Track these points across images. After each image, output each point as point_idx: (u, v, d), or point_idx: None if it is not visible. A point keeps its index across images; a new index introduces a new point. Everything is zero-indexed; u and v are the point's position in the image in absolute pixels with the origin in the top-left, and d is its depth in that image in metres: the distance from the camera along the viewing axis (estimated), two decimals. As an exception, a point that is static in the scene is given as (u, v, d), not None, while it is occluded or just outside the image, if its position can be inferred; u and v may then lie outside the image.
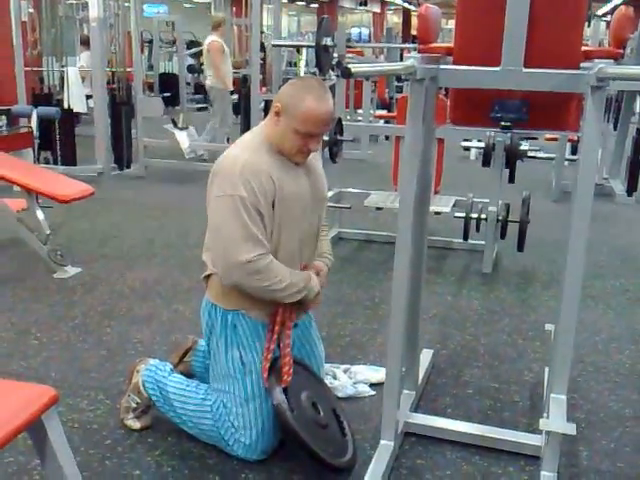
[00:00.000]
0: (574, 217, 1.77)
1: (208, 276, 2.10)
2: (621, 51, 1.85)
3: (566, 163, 6.31)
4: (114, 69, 6.59)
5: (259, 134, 2.02)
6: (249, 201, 1.88)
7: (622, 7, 1.91)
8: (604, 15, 21.33)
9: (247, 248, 1.89)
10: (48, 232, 3.72)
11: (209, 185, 1.99)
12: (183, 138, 6.78)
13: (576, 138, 6.11)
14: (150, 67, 12.39)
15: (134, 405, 2.22)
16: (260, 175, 1.90)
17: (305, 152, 1.99)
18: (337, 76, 4.89)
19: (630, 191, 5.78)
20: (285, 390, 2.00)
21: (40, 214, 3.75)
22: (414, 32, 21.71)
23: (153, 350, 2.80)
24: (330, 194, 4.46)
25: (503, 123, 1.93)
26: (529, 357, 2.86)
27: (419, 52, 1.98)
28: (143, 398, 2.20)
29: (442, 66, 1.92)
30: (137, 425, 2.22)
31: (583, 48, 1.91)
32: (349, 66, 1.52)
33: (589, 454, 2.17)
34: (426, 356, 2.69)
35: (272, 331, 2.05)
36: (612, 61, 1.67)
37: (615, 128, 6.65)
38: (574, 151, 6.74)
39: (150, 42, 12.24)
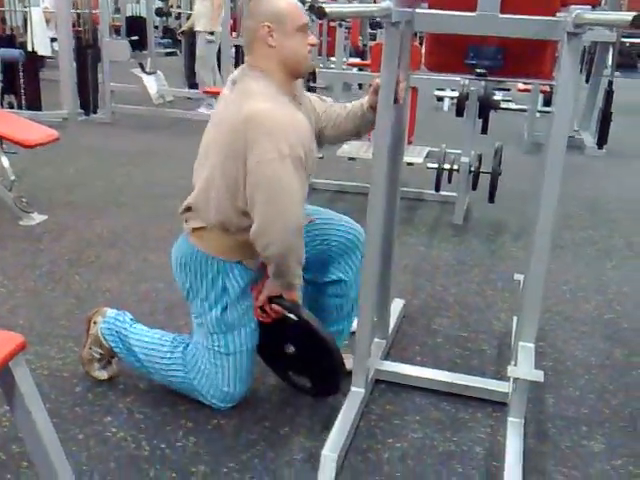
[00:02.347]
0: (546, 169, 1.76)
1: (199, 229, 1.95)
2: (599, -2, 1.83)
3: (538, 115, 6.32)
4: (79, 11, 6.35)
5: (259, 80, 1.86)
6: (304, 162, 1.80)
7: (601, -47, 1.87)
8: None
9: (298, 203, 1.82)
10: (13, 178, 3.63)
11: (240, 143, 1.78)
12: (151, 83, 6.61)
13: (548, 89, 6.12)
14: (117, 10, 12.03)
15: (97, 356, 2.18)
16: (307, 134, 1.85)
17: (311, 49, 1.91)
18: (311, 20, 4.77)
19: (600, 143, 5.82)
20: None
21: (4, 160, 3.65)
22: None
23: (122, 299, 2.77)
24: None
25: (478, 70, 1.90)
26: (498, 307, 2.90)
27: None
28: (105, 349, 2.16)
29: (418, 10, 1.87)
30: (105, 375, 2.20)
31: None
32: (323, 6, 1.47)
33: (555, 401, 2.23)
34: (397, 305, 2.71)
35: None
36: (589, 7, 1.64)
37: (587, 81, 6.65)
38: (546, 103, 6.75)
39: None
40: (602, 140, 5.76)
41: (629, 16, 1.33)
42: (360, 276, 2.06)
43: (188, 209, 1.97)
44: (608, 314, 2.89)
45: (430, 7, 1.93)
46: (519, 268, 2.89)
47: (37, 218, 3.66)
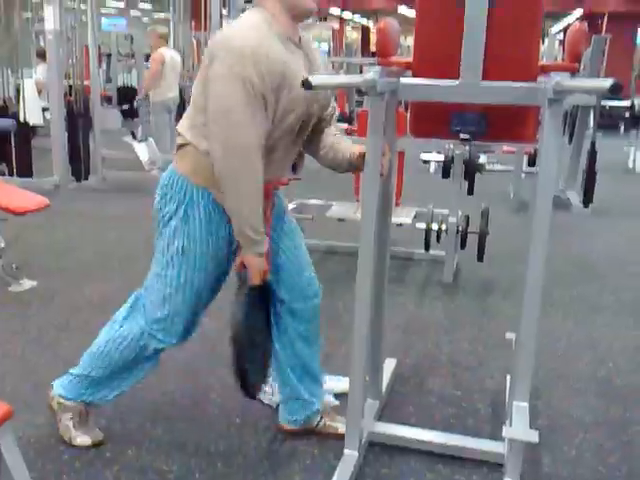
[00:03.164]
0: (534, 228, 1.80)
1: (182, 146, 1.93)
2: (576, 65, 1.90)
3: (523, 175, 6.44)
4: (71, 82, 6.49)
5: (255, 13, 1.85)
6: (258, 88, 1.73)
7: (576, 23, 1.96)
8: (557, 33, 21.89)
9: (255, 132, 1.76)
10: (2, 245, 3.64)
11: (207, 60, 1.80)
12: (142, 150, 6.71)
13: (532, 151, 6.25)
14: (109, 80, 12.29)
15: (70, 422, 2.17)
16: (273, 60, 1.75)
17: None
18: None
19: (586, 202, 5.92)
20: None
21: (-6, 226, 3.68)
22: (372, 48, 21.91)
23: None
24: (292, 205, 4.47)
25: (462, 136, 1.96)
26: (490, 365, 2.89)
27: (379, 65, 1.99)
28: (71, 408, 2.16)
29: (402, 79, 1.94)
30: (88, 440, 2.17)
31: (540, 63, 1.96)
32: (309, 78, 1.53)
33: (551, 461, 2.20)
34: (389, 365, 2.70)
35: None
36: (568, 75, 1.71)
37: (570, 141, 6.81)
38: (531, 163, 6.89)
39: (108, 55, 12.15)
40: (588, 199, 5.86)
41: (607, 83, 1.38)
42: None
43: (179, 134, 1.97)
44: (601, 371, 2.89)
45: (414, 76, 2.00)
46: (510, 326, 2.89)
47: (26, 284, 3.66)
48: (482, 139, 2.03)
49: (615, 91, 1.36)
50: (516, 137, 2.13)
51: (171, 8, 9.17)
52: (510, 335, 2.62)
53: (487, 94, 1.87)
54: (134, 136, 6.88)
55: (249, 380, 2.00)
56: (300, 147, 2.05)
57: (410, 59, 2.07)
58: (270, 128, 1.82)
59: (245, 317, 1.93)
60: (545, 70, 1.94)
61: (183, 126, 1.91)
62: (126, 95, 10.87)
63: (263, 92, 1.74)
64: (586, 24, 2.00)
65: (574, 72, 1.93)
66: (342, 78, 1.68)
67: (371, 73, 1.78)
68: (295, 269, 2.15)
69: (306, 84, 1.56)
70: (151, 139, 6.95)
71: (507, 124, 2.00)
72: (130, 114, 9.80)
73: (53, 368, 2.71)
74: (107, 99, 11.10)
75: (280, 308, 2.17)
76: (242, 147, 1.75)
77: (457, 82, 1.89)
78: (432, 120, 2.09)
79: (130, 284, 3.73)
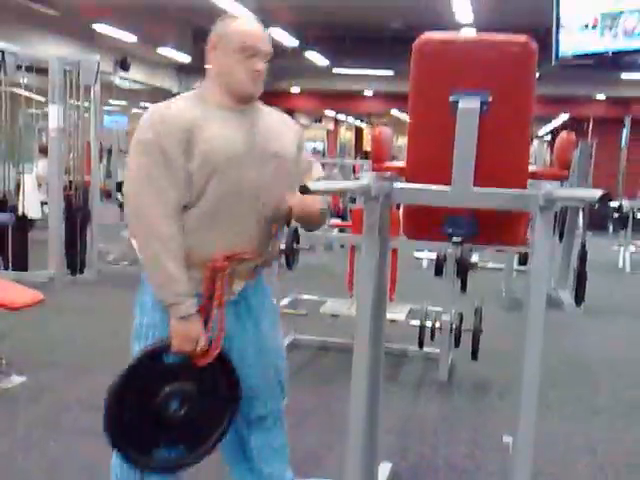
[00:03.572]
0: (528, 332, 1.82)
1: None
2: (566, 173, 1.97)
3: (514, 273, 6.50)
4: (72, 177, 6.63)
5: (195, 91, 1.89)
6: (155, 145, 1.72)
7: (564, 132, 2.05)
8: (546, 135, 22.65)
9: (155, 193, 1.71)
10: (-6, 340, 3.62)
11: None
12: (139, 244, 6.76)
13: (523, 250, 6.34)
14: (109, 175, 12.54)
15: None
16: (173, 119, 1.74)
17: (255, 76, 1.80)
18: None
19: (578, 301, 5.95)
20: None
21: (-13, 321, 3.66)
22: (366, 148, 22.60)
23: (99, 467, 2.67)
24: (286, 301, 4.48)
25: (454, 239, 2.00)
26: (488, 469, 2.83)
27: (373, 171, 2.07)
28: None
29: (395, 184, 2.01)
30: None
31: (531, 169, 2.03)
32: (307, 184, 1.59)
33: None
34: (384, 470, 2.63)
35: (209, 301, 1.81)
36: (558, 183, 1.77)
37: (560, 240, 6.92)
38: (522, 262, 6.97)
39: (109, 151, 12.47)
40: (579, 298, 5.89)
41: (597, 194, 1.44)
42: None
43: None
44: (600, 476, 2.82)
45: (407, 180, 2.07)
46: (506, 427, 2.85)
47: (15, 380, 3.60)
48: (473, 242, 2.07)
49: (605, 202, 1.41)
50: (506, 240, 2.18)
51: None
52: (507, 439, 2.58)
53: (479, 200, 1.93)
54: (131, 230, 6.95)
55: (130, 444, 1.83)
56: (269, 225, 1.89)
57: (403, 164, 2.15)
58: (196, 191, 1.75)
59: (132, 376, 1.82)
60: (535, 177, 2.01)
61: None
62: (124, 189, 11.06)
63: (163, 148, 1.71)
64: (573, 133, 2.10)
65: (564, 179, 2.01)
66: (339, 184, 1.74)
67: (366, 179, 1.85)
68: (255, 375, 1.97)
69: (304, 190, 1.61)
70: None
71: (498, 228, 2.06)
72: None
73: (39, 469, 2.64)
74: (106, 193, 11.30)
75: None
76: (144, 210, 1.72)
77: (449, 188, 1.96)
78: (425, 222, 2.14)
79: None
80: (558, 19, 5.36)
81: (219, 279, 1.79)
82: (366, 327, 1.97)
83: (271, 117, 1.93)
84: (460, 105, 1.91)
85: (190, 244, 1.77)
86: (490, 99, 1.90)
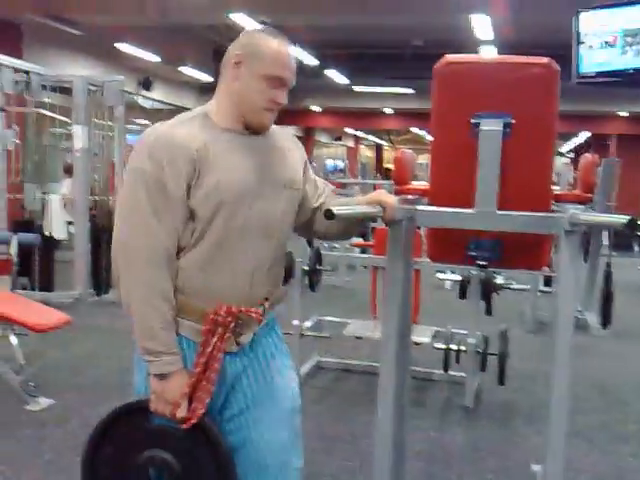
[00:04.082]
0: (555, 360, 1.79)
1: None
2: (590, 196, 1.96)
3: (539, 294, 6.41)
4: (96, 197, 6.71)
5: (198, 109, 1.66)
6: (153, 176, 1.50)
7: (588, 155, 2.04)
8: (566, 153, 22.48)
9: (137, 230, 1.52)
10: (22, 362, 3.64)
11: None
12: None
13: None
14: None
15: None
16: (173, 144, 1.52)
17: (274, 107, 1.61)
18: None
19: (604, 323, 5.85)
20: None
21: (15, 342, 3.69)
22: (386, 165, 22.65)
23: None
24: (308, 323, 4.46)
25: (479, 262, 1.99)
26: (515, 497, 2.77)
27: (396, 193, 2.06)
28: None
29: (419, 207, 2.00)
30: None
31: (555, 191, 2.02)
32: (332, 209, 1.59)
33: None
34: (409, 496, 2.59)
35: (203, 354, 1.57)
36: (582, 206, 1.76)
37: (585, 260, 6.83)
38: (546, 282, 6.88)
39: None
40: (606, 320, 5.79)
41: (624, 220, 1.42)
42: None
43: None
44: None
45: (430, 203, 2.06)
46: (534, 454, 2.80)
47: (43, 402, 3.62)
48: (497, 265, 2.06)
49: (632, 228, 1.39)
50: (531, 264, 2.16)
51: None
52: (536, 467, 2.53)
53: (503, 222, 1.92)
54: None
55: None
56: (280, 264, 1.71)
57: (426, 185, 2.14)
58: (199, 227, 1.54)
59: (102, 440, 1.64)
60: (559, 199, 2.00)
61: None
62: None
63: (163, 183, 1.50)
64: (597, 155, 2.08)
65: (587, 202, 1.99)
66: (364, 209, 1.72)
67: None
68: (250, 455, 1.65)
69: (329, 215, 1.60)
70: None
71: (522, 251, 2.04)
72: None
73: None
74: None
75: None
76: (129, 250, 1.53)
77: (473, 210, 1.95)
78: (449, 246, 2.13)
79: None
80: (578, 36, 5.33)
81: (218, 334, 1.56)
82: (392, 350, 1.95)
83: (279, 139, 1.72)
84: (482, 127, 1.91)
85: (189, 289, 1.56)
86: (513, 121, 1.90)
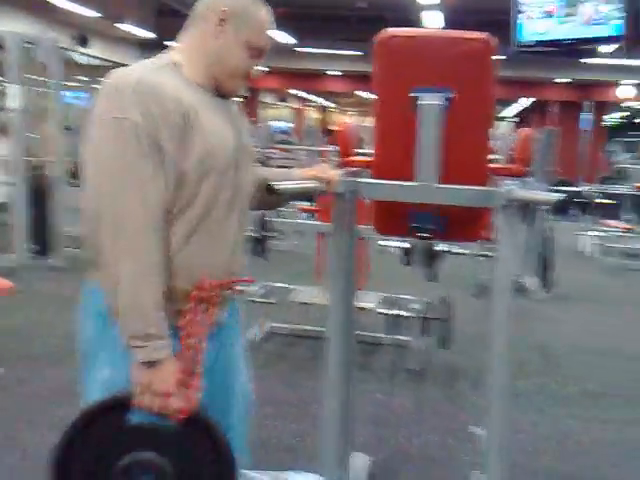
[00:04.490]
0: (494, 319, 1.86)
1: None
2: (525, 170, 2.03)
3: (480, 258, 6.56)
4: (33, 157, 6.50)
5: (163, 57, 1.48)
6: (145, 130, 1.32)
7: (525, 129, 2.10)
8: (508, 118, 22.80)
9: (130, 191, 1.32)
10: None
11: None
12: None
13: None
14: (74, 154, 12.32)
15: None
16: (164, 96, 1.35)
17: (248, 77, 1.53)
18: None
19: (545, 287, 6.06)
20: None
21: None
22: (330, 127, 22.63)
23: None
24: (256, 288, 4.48)
25: (421, 234, 2.04)
26: (461, 460, 2.87)
27: (340, 165, 2.09)
28: None
29: (362, 180, 2.04)
30: None
31: (492, 165, 2.08)
32: (273, 185, 1.60)
33: None
34: (360, 461, 2.66)
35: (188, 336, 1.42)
36: (519, 180, 1.82)
37: (525, 223, 7.01)
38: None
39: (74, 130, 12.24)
40: (546, 284, 5.99)
41: (554, 197, 1.49)
42: None
43: None
44: (568, 466, 2.90)
45: (374, 176, 2.10)
46: (478, 416, 2.92)
47: (-8, 372, 3.58)
48: (439, 237, 2.12)
49: (559, 209, 1.46)
50: (471, 236, 2.23)
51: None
52: (473, 428, 2.64)
53: (443, 196, 1.97)
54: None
55: None
56: (243, 231, 1.59)
57: (370, 159, 2.18)
58: (186, 195, 1.40)
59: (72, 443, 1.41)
60: (497, 173, 2.06)
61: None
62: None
63: (156, 137, 1.33)
64: (533, 131, 2.15)
65: (524, 175, 2.06)
66: (305, 184, 1.74)
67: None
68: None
69: (270, 190, 1.62)
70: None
71: (463, 224, 2.10)
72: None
73: (16, 463, 2.64)
74: (72, 174, 11.12)
75: None
76: (122, 216, 1.32)
77: (414, 183, 1.99)
78: (392, 218, 2.18)
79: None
80: (518, 5, 5.42)
81: (203, 312, 1.44)
82: (338, 317, 2.02)
83: (232, 104, 1.60)
84: (422, 102, 1.94)
85: (170, 266, 1.40)
86: (451, 96, 1.94)
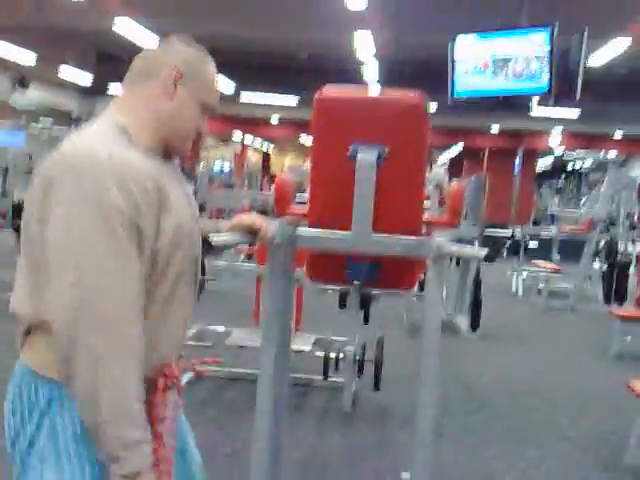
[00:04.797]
0: (423, 359, 1.92)
1: (27, 331, 1.28)
2: (457, 221, 2.13)
3: (414, 298, 6.71)
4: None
5: (106, 121, 1.32)
6: (127, 213, 1.19)
7: (455, 184, 2.22)
8: (443, 164, 23.52)
9: (130, 288, 1.20)
10: None
11: (40, 192, 1.21)
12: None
13: (422, 276, 6.59)
14: (3, 194, 12.02)
15: None
16: (139, 172, 1.23)
17: (199, 135, 1.44)
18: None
19: (474, 327, 6.23)
20: None
21: None
22: (273, 172, 22.90)
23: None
24: (192, 331, 4.44)
25: (355, 282, 2.11)
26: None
27: (276, 215, 2.15)
28: None
29: (299, 230, 2.09)
30: None
31: (425, 217, 2.17)
32: (210, 238, 1.62)
33: None
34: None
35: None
36: (449, 235, 1.91)
37: (458, 264, 7.22)
38: (422, 287, 7.20)
39: (5, 169, 11.97)
40: (475, 323, 6.18)
41: (483, 252, 1.58)
42: None
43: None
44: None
45: (310, 226, 2.16)
46: (407, 458, 2.96)
47: None
48: (372, 285, 2.19)
49: (488, 260, 1.55)
50: (404, 285, 2.31)
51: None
52: (405, 475, 2.68)
53: (378, 245, 2.05)
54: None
55: None
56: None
57: (306, 210, 2.24)
58: (157, 273, 1.28)
59: None
60: (430, 225, 2.16)
61: (19, 300, 1.28)
62: (20, 211, 10.66)
63: (137, 221, 1.21)
64: (464, 184, 2.26)
65: (455, 226, 2.16)
66: (236, 235, 1.75)
67: (272, 227, 1.92)
68: None
69: (207, 242, 1.63)
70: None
71: (396, 273, 2.18)
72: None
73: None
74: (1, 215, 10.85)
75: None
76: (108, 312, 1.17)
77: (349, 233, 2.06)
78: (328, 267, 2.24)
79: None
80: (453, 62, 5.68)
81: (168, 402, 1.32)
82: (270, 361, 2.04)
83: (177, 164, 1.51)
84: (359, 157, 2.03)
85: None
86: (387, 150, 2.03)
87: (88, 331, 1.16)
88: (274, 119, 17.46)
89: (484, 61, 5.48)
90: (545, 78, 5.26)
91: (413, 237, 2.02)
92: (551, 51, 5.19)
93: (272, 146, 25.68)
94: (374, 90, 2.30)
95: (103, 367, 1.15)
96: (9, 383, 1.29)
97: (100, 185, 1.17)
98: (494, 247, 11.13)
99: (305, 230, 2.11)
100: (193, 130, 1.41)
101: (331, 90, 2.05)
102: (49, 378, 1.23)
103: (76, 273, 1.16)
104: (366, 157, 1.99)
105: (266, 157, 27.67)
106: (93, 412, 1.16)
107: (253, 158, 27.20)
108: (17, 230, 9.69)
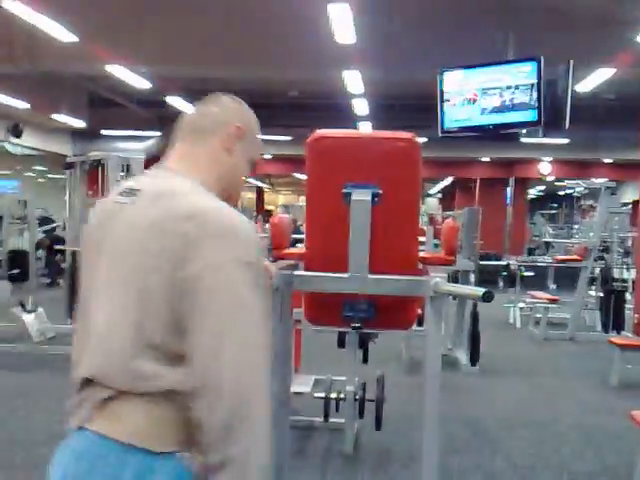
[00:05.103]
0: (425, 409, 1.91)
1: (114, 397, 1.20)
2: (452, 258, 2.12)
3: (413, 334, 6.67)
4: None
5: (191, 180, 1.33)
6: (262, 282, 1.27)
7: (450, 220, 2.22)
8: (435, 194, 23.67)
9: (265, 345, 1.21)
10: None
11: (175, 251, 1.18)
12: (32, 322, 6.50)
13: (420, 312, 6.57)
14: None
15: None
16: (258, 243, 1.30)
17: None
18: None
19: (473, 361, 6.18)
20: None
21: None
22: (267, 208, 23.00)
23: None
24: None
25: (353, 324, 2.09)
26: None
27: (273, 258, 2.14)
28: None
29: (296, 272, 2.09)
30: None
31: (421, 254, 2.17)
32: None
33: None
34: None
35: None
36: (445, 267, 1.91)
37: (454, 298, 7.21)
38: (420, 323, 7.18)
39: (0, 218, 11.96)
40: (474, 358, 6.13)
41: (481, 292, 1.57)
42: None
43: (87, 382, 1.24)
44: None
45: (307, 268, 2.15)
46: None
47: None
48: (371, 326, 2.17)
49: (487, 300, 1.54)
50: (401, 323, 2.29)
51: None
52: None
53: (375, 286, 2.04)
54: (24, 307, 6.68)
55: None
56: None
57: (302, 250, 2.24)
58: None
59: None
60: (425, 262, 2.15)
61: (110, 365, 1.20)
62: (16, 259, 10.63)
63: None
64: (459, 223, 2.26)
65: (451, 263, 2.15)
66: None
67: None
68: None
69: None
70: (41, 309, 6.77)
71: (394, 312, 2.17)
72: (20, 278, 9.55)
73: None
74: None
75: None
76: (264, 379, 1.20)
77: (347, 275, 2.06)
78: (325, 308, 2.23)
79: (11, 474, 3.47)
80: (442, 95, 5.75)
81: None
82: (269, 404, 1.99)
83: None
84: (353, 197, 2.03)
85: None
86: (380, 191, 2.04)
87: (256, 397, 1.17)
88: (267, 156, 17.57)
89: (472, 93, 5.55)
90: (534, 109, 5.32)
91: (410, 277, 2.02)
92: (539, 83, 5.26)
93: (266, 182, 25.80)
94: (365, 131, 2.31)
95: (260, 434, 1.17)
96: (68, 455, 1.22)
97: (251, 250, 1.23)
98: (491, 283, 11.17)
99: (302, 273, 2.10)
100: (242, 183, 1.47)
101: (323, 132, 2.06)
102: (137, 446, 1.17)
103: (244, 336, 1.17)
104: (360, 198, 2.00)
105: (260, 193, 27.79)
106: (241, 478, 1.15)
107: (247, 195, 27.30)
108: (12, 277, 9.64)
